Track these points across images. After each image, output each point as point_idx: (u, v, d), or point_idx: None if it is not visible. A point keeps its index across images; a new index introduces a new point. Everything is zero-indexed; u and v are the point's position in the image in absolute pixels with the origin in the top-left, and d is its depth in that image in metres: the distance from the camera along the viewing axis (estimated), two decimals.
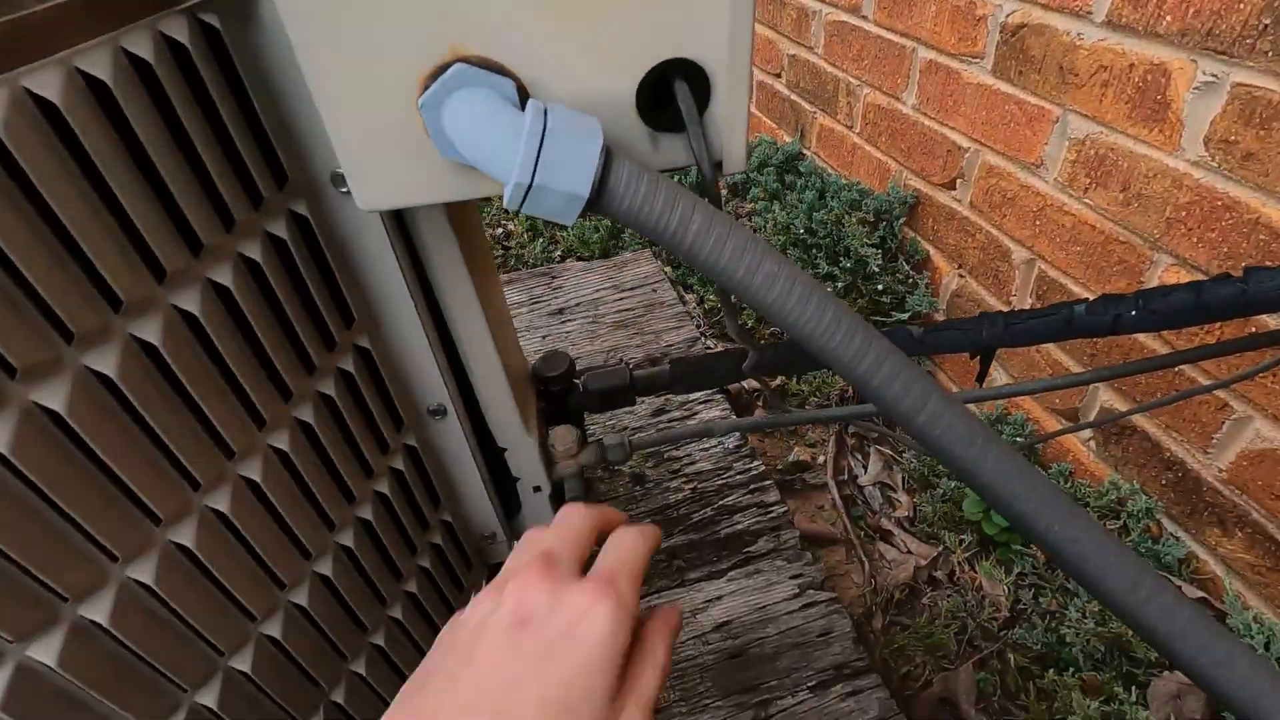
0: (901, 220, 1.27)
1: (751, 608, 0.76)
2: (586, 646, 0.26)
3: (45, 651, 0.33)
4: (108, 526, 0.34)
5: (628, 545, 0.31)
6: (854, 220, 1.32)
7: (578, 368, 0.74)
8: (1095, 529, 0.38)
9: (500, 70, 0.35)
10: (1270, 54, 0.66)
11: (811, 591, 0.77)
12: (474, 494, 0.68)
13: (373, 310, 0.50)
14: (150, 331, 0.34)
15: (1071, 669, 0.81)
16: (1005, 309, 1.09)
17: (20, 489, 0.30)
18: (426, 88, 0.34)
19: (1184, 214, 0.78)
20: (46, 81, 0.28)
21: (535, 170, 0.32)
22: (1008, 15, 0.95)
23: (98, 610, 0.34)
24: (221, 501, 0.40)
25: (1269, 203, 0.69)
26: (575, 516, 0.33)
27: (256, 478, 0.42)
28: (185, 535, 0.38)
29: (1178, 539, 0.88)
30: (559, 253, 1.91)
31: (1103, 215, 0.88)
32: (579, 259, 1.89)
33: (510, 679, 0.25)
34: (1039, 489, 0.39)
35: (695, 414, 1.01)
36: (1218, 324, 0.78)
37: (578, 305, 1.23)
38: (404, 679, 0.38)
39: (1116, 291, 0.89)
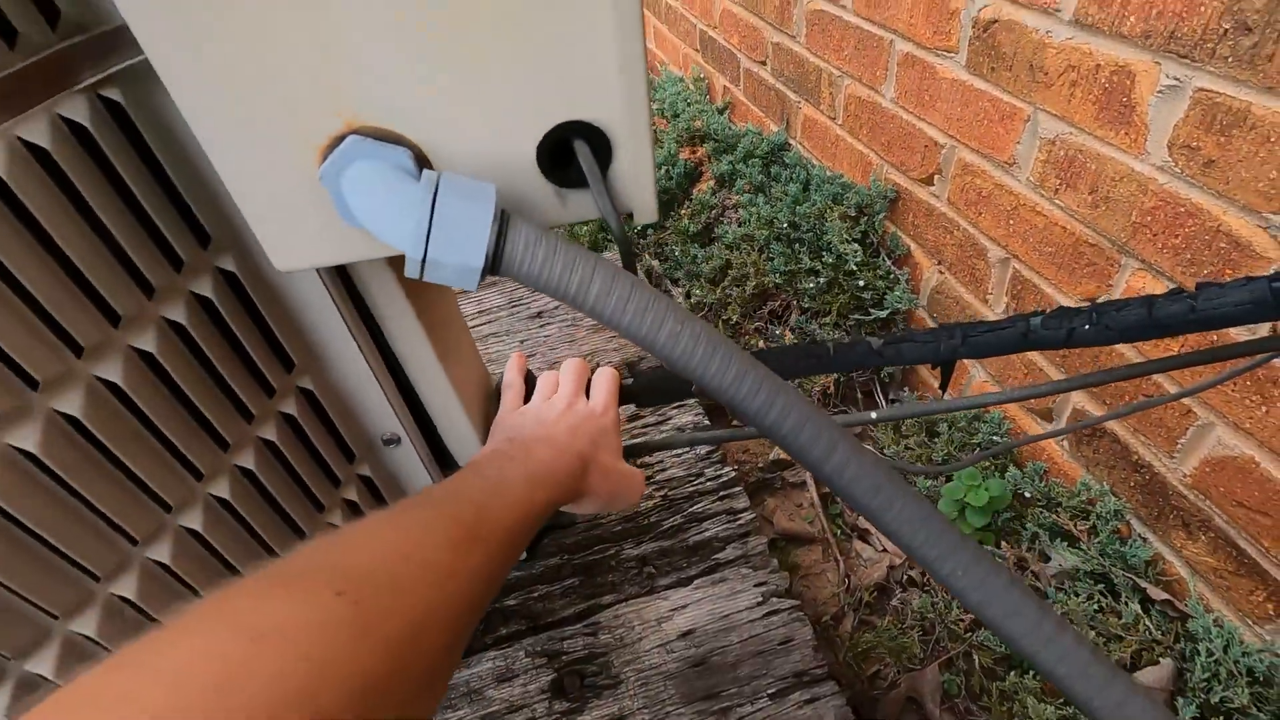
0: (883, 215, 1.26)
1: (715, 616, 0.78)
2: (607, 421, 0.53)
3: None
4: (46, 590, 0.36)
5: (605, 384, 0.56)
6: (835, 215, 1.31)
7: None
8: (1000, 574, 0.39)
9: (396, 140, 0.35)
10: (1230, 59, 0.64)
11: (775, 600, 0.79)
12: None
13: (314, 351, 0.51)
14: (72, 405, 0.35)
15: (1032, 671, 0.82)
16: (983, 307, 1.09)
17: None
18: (326, 158, 0.35)
19: (1149, 219, 0.77)
20: None
21: (428, 244, 0.33)
22: (980, 9, 0.93)
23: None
24: (162, 553, 0.41)
25: (1229, 211, 0.68)
26: (576, 368, 0.56)
27: (198, 527, 0.43)
28: (126, 588, 0.40)
29: (1145, 540, 0.89)
30: None
31: (1072, 216, 0.87)
32: None
33: (573, 423, 0.51)
34: (944, 536, 0.39)
35: (668, 419, 1.02)
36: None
37: (557, 309, 1.23)
38: None
39: (1086, 293, 0.88)
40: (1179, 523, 0.83)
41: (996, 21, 0.91)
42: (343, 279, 0.50)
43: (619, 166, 0.38)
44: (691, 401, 1.04)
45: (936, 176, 1.12)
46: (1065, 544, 0.93)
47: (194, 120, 0.33)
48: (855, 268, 1.24)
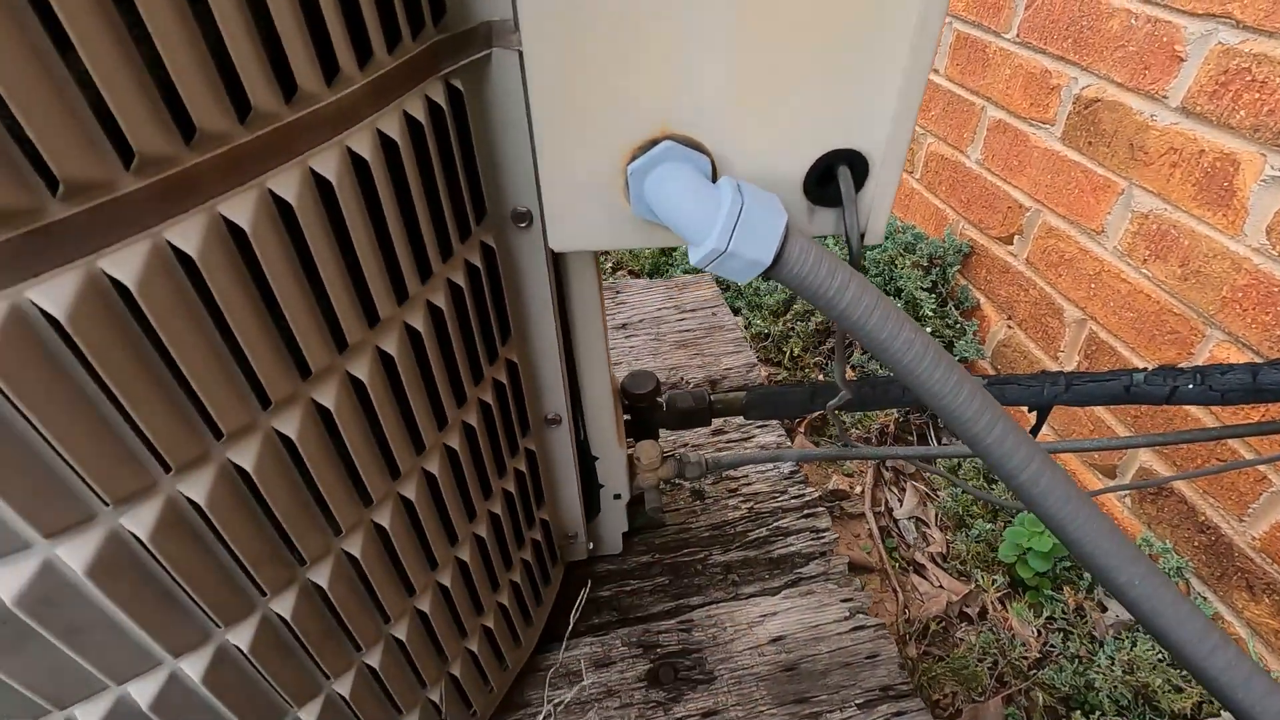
0: (955, 268, 1.33)
1: (804, 626, 0.81)
2: None
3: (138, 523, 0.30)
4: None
5: None
6: (908, 263, 1.37)
7: None
8: (1170, 587, 0.44)
9: (699, 148, 0.41)
10: None
11: (860, 616, 0.83)
12: (567, 497, 0.74)
13: (524, 330, 0.56)
14: (392, 345, 0.40)
15: (1097, 712, 0.85)
16: (1051, 363, 1.14)
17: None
18: (634, 157, 0.41)
19: (1240, 295, 0.83)
20: (363, 143, 0.34)
21: (731, 239, 0.38)
22: (1082, 88, 1.01)
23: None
24: (410, 490, 0.46)
25: None
26: None
27: (435, 470, 0.48)
28: (321, 576, 0.43)
29: (1204, 599, 0.93)
30: (609, 263, 1.98)
31: (1159, 286, 0.93)
32: (630, 272, 1.95)
33: None
34: (1123, 548, 0.44)
35: (751, 437, 1.07)
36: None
37: (641, 321, 1.29)
38: (502, 660, 0.48)
39: (1166, 359, 0.94)
40: (1242, 584, 0.88)
41: (1099, 101, 0.98)
42: (555, 268, 0.55)
43: (869, 191, 0.44)
44: (774, 422, 1.09)
45: (1017, 237, 1.18)
46: None
47: (539, 109, 0.39)
48: (930, 313, 1.30)
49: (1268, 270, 0.79)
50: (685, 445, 1.07)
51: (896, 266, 1.39)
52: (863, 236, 0.46)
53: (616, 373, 0.76)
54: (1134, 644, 0.92)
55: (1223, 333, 0.86)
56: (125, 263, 0.26)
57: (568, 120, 0.39)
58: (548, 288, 0.54)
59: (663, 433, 0.86)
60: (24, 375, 0.25)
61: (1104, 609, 0.99)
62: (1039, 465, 0.44)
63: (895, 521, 1.24)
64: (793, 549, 0.91)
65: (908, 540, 1.20)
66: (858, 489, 1.29)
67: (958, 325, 1.33)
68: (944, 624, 1.02)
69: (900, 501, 1.28)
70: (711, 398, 0.79)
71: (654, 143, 0.40)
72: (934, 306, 1.32)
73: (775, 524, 0.94)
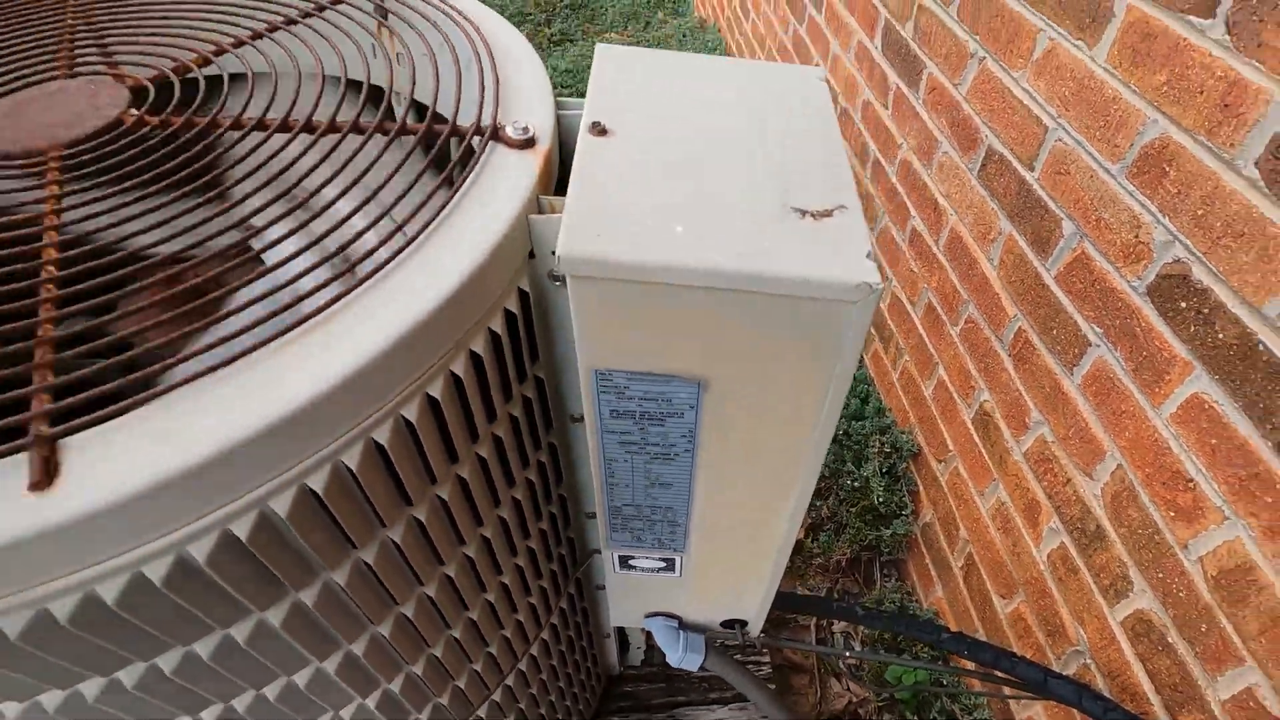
0: (906, 463, 1.83)
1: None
2: None
3: None
4: None
5: None
6: (875, 446, 1.87)
7: None
8: None
9: (673, 616, 0.98)
10: None
11: None
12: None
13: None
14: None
15: None
16: (953, 564, 1.66)
17: None
18: (649, 616, 0.98)
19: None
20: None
21: (681, 662, 0.96)
22: (982, 401, 1.47)
23: None
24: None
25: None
26: None
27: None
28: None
29: None
30: None
31: (1002, 553, 1.44)
32: None
33: None
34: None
35: None
36: None
37: None
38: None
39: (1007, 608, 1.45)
40: None
41: (990, 419, 1.45)
42: None
43: (750, 626, 1.00)
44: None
45: (942, 462, 1.67)
46: None
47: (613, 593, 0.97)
48: (881, 493, 1.81)
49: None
50: None
51: (869, 444, 1.90)
52: (744, 626, 1.03)
53: None
54: None
55: (1022, 601, 1.37)
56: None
57: (626, 598, 0.97)
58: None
59: None
60: None
61: None
62: None
63: (832, 633, 1.82)
64: None
65: (838, 649, 1.78)
66: None
67: (900, 501, 1.84)
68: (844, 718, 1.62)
69: None
70: None
71: (654, 615, 0.98)
72: (885, 483, 1.83)
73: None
